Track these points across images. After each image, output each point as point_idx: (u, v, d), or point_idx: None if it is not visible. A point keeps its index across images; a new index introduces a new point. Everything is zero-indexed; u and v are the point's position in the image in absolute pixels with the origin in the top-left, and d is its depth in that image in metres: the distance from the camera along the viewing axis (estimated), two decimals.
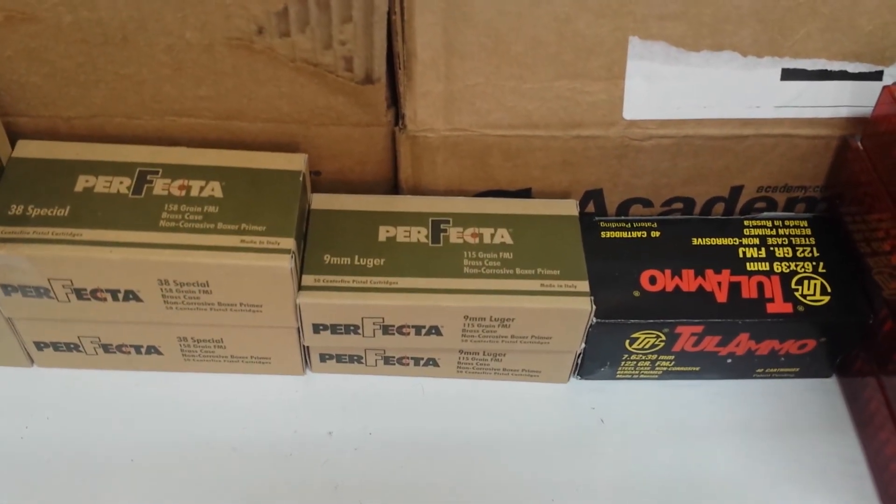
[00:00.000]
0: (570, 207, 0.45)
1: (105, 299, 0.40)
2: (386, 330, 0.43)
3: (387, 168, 0.47)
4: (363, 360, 0.46)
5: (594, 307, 0.42)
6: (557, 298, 0.41)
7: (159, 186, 0.41)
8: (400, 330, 0.43)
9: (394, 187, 0.48)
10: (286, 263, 0.39)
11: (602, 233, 0.46)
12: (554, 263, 0.43)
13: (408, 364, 0.46)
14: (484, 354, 0.45)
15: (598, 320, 0.43)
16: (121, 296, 0.40)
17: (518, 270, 0.42)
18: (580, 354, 0.45)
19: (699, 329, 0.43)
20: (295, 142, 0.45)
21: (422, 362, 0.46)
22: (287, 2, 0.38)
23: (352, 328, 0.43)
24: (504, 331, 0.43)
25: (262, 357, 0.46)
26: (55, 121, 0.43)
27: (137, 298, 0.40)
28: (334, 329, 0.43)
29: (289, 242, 0.40)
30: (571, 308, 0.41)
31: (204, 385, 0.46)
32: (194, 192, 0.41)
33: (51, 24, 0.38)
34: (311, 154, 0.44)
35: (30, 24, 0.38)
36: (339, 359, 0.46)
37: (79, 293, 0.40)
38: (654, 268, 0.45)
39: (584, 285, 0.42)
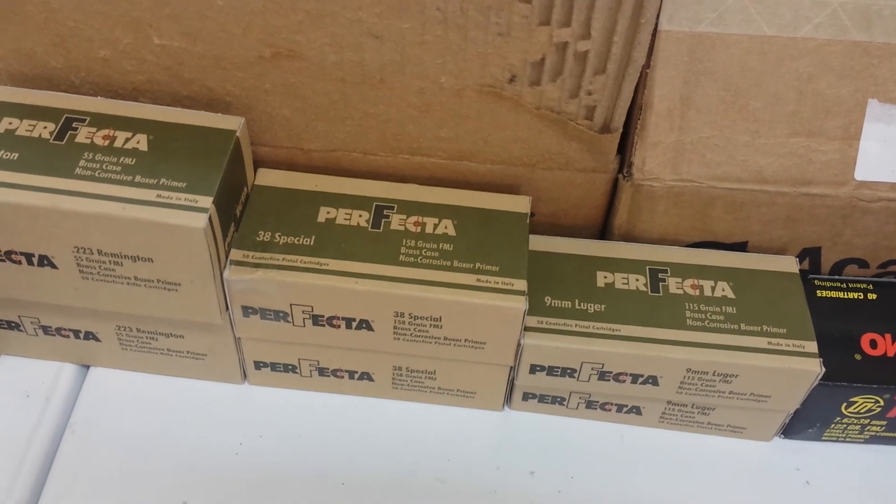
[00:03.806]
0: (789, 264, 0.45)
1: (339, 326, 0.42)
2: (603, 376, 0.43)
3: (599, 213, 0.47)
4: (565, 402, 0.46)
5: (823, 369, 0.41)
6: (786, 358, 0.41)
7: (396, 221, 0.43)
8: (617, 377, 0.43)
9: (601, 232, 0.49)
10: (521, 305, 0.40)
11: (818, 292, 0.46)
12: (779, 321, 0.42)
13: (610, 410, 0.46)
14: (692, 407, 0.45)
15: (820, 382, 0.42)
16: (354, 324, 0.42)
17: (743, 326, 0.42)
18: (790, 414, 0.45)
19: None
20: (517, 184, 0.46)
21: (624, 409, 0.46)
22: (546, 52, 0.39)
23: (568, 371, 0.43)
24: (724, 386, 0.42)
25: (468, 391, 0.46)
26: (294, 152, 0.45)
27: (370, 328, 0.42)
28: (551, 371, 0.43)
29: (522, 284, 0.41)
30: (801, 369, 0.41)
31: (407, 413, 0.47)
32: (429, 230, 0.42)
33: (314, 62, 0.40)
34: (529, 195, 0.45)
35: (294, 60, 0.40)
36: (541, 398, 0.46)
37: (315, 319, 0.42)
38: (874, 331, 0.44)
39: (812, 346, 0.41)
